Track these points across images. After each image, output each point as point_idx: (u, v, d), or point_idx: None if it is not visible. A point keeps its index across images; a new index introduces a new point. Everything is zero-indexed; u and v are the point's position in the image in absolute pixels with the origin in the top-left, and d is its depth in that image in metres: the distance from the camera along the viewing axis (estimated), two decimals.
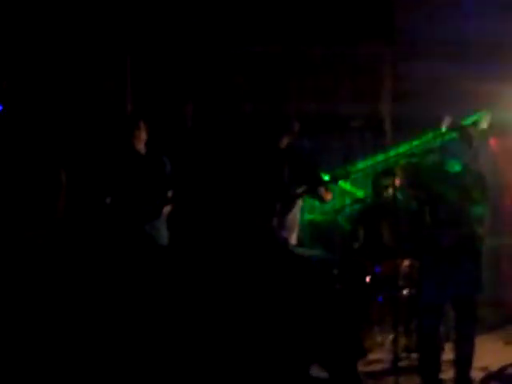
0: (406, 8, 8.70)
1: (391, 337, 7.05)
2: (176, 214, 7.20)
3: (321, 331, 3.01)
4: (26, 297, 6.14)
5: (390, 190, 7.43)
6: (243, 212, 2.81)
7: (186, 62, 8.94)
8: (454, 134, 6.68)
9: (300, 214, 7.20)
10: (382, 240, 7.86)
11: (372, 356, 7.28)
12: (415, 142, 8.82)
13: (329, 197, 7.25)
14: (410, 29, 8.73)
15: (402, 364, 6.75)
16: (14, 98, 8.31)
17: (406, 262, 7.44)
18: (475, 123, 8.04)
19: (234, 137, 8.18)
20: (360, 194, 8.37)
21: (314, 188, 7.04)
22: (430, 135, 8.24)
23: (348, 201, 8.66)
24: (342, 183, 7.63)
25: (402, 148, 8.87)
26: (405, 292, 7.37)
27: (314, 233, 8.58)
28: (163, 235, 7.11)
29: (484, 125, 8.58)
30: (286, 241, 6.70)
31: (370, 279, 7.55)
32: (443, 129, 7.39)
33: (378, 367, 7.12)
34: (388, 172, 7.91)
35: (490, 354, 7.11)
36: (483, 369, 6.89)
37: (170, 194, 7.12)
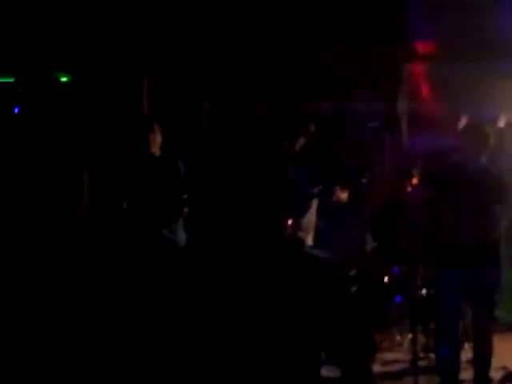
0: (424, 8, 8.69)
1: (410, 336, 7.05)
2: (193, 215, 7.22)
3: (332, 329, 3.01)
4: (43, 294, 6.19)
5: (408, 190, 7.43)
6: (248, 212, 2.84)
7: (201, 64, 8.96)
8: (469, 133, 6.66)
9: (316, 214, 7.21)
10: (399, 240, 7.85)
11: (391, 356, 7.28)
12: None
13: (345, 196, 7.25)
14: (425, 29, 8.72)
15: (420, 364, 6.75)
16: (31, 101, 8.36)
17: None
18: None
19: (247, 137, 8.18)
20: None
21: (329, 188, 7.04)
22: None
23: None
24: None
25: None
26: (423, 292, 7.36)
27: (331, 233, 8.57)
28: (181, 237, 7.13)
29: (501, 123, 8.57)
30: (301, 241, 6.72)
31: (389, 279, 7.55)
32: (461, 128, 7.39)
33: (396, 367, 7.11)
34: (406, 172, 7.92)
35: (508, 353, 7.08)
36: (502, 368, 6.87)
37: (185, 196, 7.12)
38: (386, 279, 7.55)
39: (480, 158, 6.52)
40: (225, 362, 2.92)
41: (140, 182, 7.09)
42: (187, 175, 7.19)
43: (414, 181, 7.48)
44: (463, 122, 8.10)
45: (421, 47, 8.83)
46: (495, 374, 6.65)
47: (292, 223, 6.79)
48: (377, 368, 6.85)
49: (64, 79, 8.85)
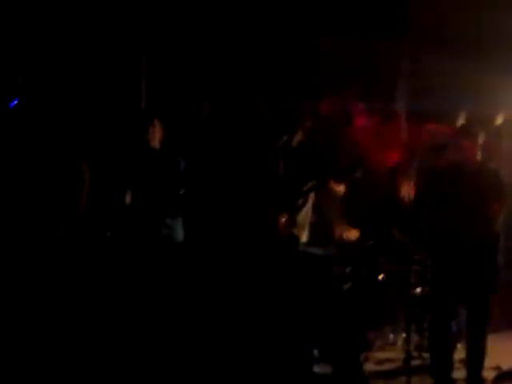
0: (421, 4, 8.65)
1: (403, 336, 7.02)
2: (190, 211, 7.20)
3: (324, 325, 3.00)
4: (35, 292, 6.17)
5: (406, 187, 7.40)
6: (242, 208, 2.81)
7: (199, 61, 8.94)
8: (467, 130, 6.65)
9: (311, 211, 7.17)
10: (395, 237, 7.81)
11: (384, 355, 7.26)
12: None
13: (340, 190, 7.23)
14: (424, 25, 8.67)
15: (414, 363, 6.73)
16: (30, 94, 8.33)
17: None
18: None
19: (243, 134, 8.16)
20: None
21: (322, 183, 7.00)
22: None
23: None
24: None
25: None
26: (417, 290, 7.33)
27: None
28: (179, 233, 7.11)
29: (499, 121, 8.54)
30: (295, 238, 6.68)
31: (383, 277, 7.51)
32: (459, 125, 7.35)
33: (390, 366, 7.09)
34: (403, 169, 7.87)
35: (501, 353, 7.06)
36: (495, 368, 6.85)
37: (182, 191, 7.11)
38: (380, 277, 7.51)
39: (478, 155, 6.51)
40: (219, 357, 2.90)
41: (141, 177, 7.09)
42: (186, 170, 7.19)
43: (412, 178, 7.44)
44: (461, 119, 8.08)
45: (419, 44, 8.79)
46: (488, 374, 6.64)
47: (286, 220, 6.75)
48: (370, 367, 6.84)
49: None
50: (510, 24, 8.34)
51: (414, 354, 7.02)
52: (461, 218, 6.37)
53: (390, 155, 8.65)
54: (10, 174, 6.59)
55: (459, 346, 6.96)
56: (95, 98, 8.77)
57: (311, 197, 7.13)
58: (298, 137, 7.11)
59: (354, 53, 9.03)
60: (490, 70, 8.24)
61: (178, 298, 5.70)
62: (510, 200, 6.61)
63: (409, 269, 6.99)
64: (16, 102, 8.07)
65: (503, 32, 8.44)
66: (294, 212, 6.89)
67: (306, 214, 7.06)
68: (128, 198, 7.17)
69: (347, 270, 7.30)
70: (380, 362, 7.12)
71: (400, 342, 7.31)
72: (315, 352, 6.02)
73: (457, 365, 6.65)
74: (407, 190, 7.60)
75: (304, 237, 7.03)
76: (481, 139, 6.55)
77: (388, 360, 7.19)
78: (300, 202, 6.96)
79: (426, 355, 6.94)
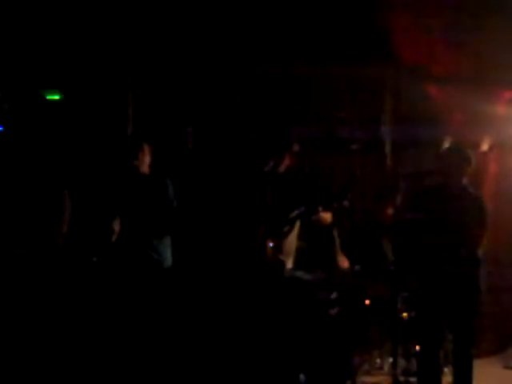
0: (406, 31, 8.71)
1: (390, 360, 7.02)
2: (179, 234, 7.21)
3: (310, 350, 3.01)
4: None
5: (390, 211, 7.42)
6: (231, 234, 2.82)
7: (186, 84, 8.97)
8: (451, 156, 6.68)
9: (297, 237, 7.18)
10: (382, 262, 7.83)
11: (371, 380, 7.25)
12: None
13: (328, 218, 7.23)
14: (410, 52, 8.73)
15: None
16: (15, 120, 8.34)
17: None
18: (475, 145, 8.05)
19: (230, 159, 8.19)
20: None
21: (310, 211, 7.01)
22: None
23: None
24: None
25: None
26: (404, 315, 7.34)
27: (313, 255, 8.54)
28: (167, 258, 7.11)
29: (485, 147, 8.60)
30: (282, 263, 6.68)
31: (370, 302, 7.52)
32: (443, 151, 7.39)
33: None
34: (388, 193, 7.91)
35: (488, 378, 7.07)
36: None
37: (172, 216, 7.12)
38: (367, 302, 7.52)
39: (461, 181, 6.54)
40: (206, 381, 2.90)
41: (130, 202, 7.09)
42: (174, 194, 7.20)
43: (396, 203, 7.47)
44: (446, 144, 8.13)
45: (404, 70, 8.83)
46: None
47: (273, 246, 6.75)
48: None
49: (54, 97, 8.85)
50: (494, 47, 8.39)
51: (401, 378, 7.04)
52: (442, 243, 6.39)
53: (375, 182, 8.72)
54: None
55: (446, 370, 6.95)
56: (82, 124, 8.80)
57: (297, 223, 7.14)
58: (286, 162, 7.12)
59: (339, 79, 9.08)
60: (476, 96, 8.30)
61: (166, 322, 5.70)
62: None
63: (395, 294, 7.02)
64: (1, 128, 8.09)
65: (488, 60, 8.50)
66: (280, 238, 6.90)
67: (292, 240, 7.07)
68: (117, 224, 7.17)
69: (334, 295, 7.32)
70: None
71: (387, 367, 7.31)
72: (301, 377, 6.05)
73: None
74: (391, 215, 7.64)
75: (290, 263, 7.04)
76: (467, 163, 6.57)
77: None
78: (286, 228, 6.97)
79: (413, 379, 6.94)
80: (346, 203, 7.30)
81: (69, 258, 6.87)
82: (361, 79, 9.10)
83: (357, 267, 7.99)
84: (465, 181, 6.57)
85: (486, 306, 6.81)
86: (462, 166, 6.58)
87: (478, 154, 8.02)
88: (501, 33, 8.33)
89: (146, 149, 7.25)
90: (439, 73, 8.68)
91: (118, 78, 8.90)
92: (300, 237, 7.24)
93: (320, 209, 7.09)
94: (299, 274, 6.80)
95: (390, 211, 7.72)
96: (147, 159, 7.25)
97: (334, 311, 7.13)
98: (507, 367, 7.86)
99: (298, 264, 7.22)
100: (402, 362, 7.14)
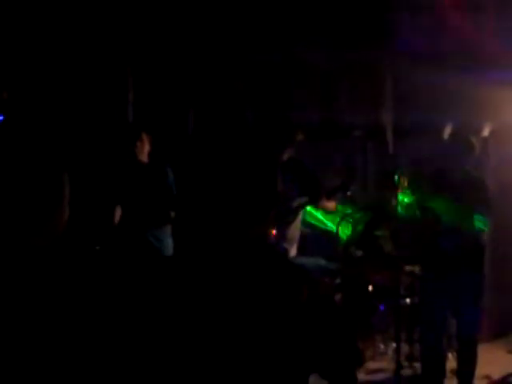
0: (407, 15, 8.68)
1: (393, 346, 7.03)
2: (180, 222, 7.20)
3: (318, 341, 2.97)
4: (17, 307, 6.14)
5: (393, 199, 7.40)
6: (235, 220, 2.80)
7: (186, 71, 8.94)
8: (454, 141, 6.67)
9: (301, 226, 7.17)
10: (383, 249, 7.83)
11: (374, 365, 7.27)
12: None
13: (332, 206, 7.21)
14: (410, 37, 8.70)
15: (404, 373, 6.74)
16: (15, 109, 8.31)
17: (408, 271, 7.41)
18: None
19: (234, 145, 8.16)
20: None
21: (314, 199, 7.00)
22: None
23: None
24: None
25: None
26: (407, 301, 7.35)
27: (316, 242, 8.53)
28: (168, 245, 7.10)
29: (485, 132, 8.58)
30: (285, 251, 6.68)
31: (373, 288, 7.53)
32: (445, 137, 7.37)
33: (380, 376, 7.10)
34: (390, 180, 7.89)
35: (492, 362, 7.08)
36: (486, 377, 6.87)
37: (172, 203, 7.11)
38: (370, 288, 7.53)
39: (465, 166, 6.53)
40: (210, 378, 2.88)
41: (130, 191, 7.08)
42: (175, 181, 7.19)
43: (399, 188, 7.45)
44: (448, 130, 8.12)
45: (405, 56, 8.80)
46: (479, 383, 6.64)
47: (276, 234, 6.74)
48: (360, 377, 6.83)
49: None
50: (495, 36, 8.38)
51: (405, 363, 7.05)
52: (447, 228, 6.38)
53: None
54: None
55: (450, 355, 6.96)
56: (82, 111, 8.76)
57: (301, 211, 7.13)
58: (289, 151, 7.09)
59: (340, 65, 9.05)
60: (477, 81, 8.27)
61: (168, 312, 5.67)
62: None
63: (398, 279, 7.02)
64: (1, 118, 8.06)
65: (488, 44, 8.48)
66: (284, 226, 6.89)
67: (295, 228, 7.07)
68: (118, 212, 7.16)
69: (337, 282, 7.33)
70: (370, 372, 7.14)
71: (390, 352, 7.32)
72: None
73: (448, 374, 6.64)
74: (396, 201, 7.62)
75: (293, 251, 7.05)
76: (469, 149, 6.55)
77: (378, 370, 7.21)
78: (290, 217, 6.96)
79: (417, 365, 6.96)
80: (349, 193, 7.30)
81: (71, 247, 6.85)
82: (362, 65, 9.07)
83: (359, 253, 8.01)
84: (468, 166, 6.56)
85: (489, 290, 6.79)
86: (465, 151, 6.57)
87: (479, 139, 8.00)
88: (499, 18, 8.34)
89: (145, 138, 7.24)
90: (438, 58, 8.66)
91: (119, 63, 8.86)
92: (303, 224, 7.25)
93: (323, 197, 7.09)
94: (301, 260, 6.81)
95: (393, 198, 7.71)
96: (146, 148, 7.24)
97: (337, 297, 7.16)
98: (511, 352, 7.87)
99: (301, 250, 7.24)
100: (405, 348, 7.15)
